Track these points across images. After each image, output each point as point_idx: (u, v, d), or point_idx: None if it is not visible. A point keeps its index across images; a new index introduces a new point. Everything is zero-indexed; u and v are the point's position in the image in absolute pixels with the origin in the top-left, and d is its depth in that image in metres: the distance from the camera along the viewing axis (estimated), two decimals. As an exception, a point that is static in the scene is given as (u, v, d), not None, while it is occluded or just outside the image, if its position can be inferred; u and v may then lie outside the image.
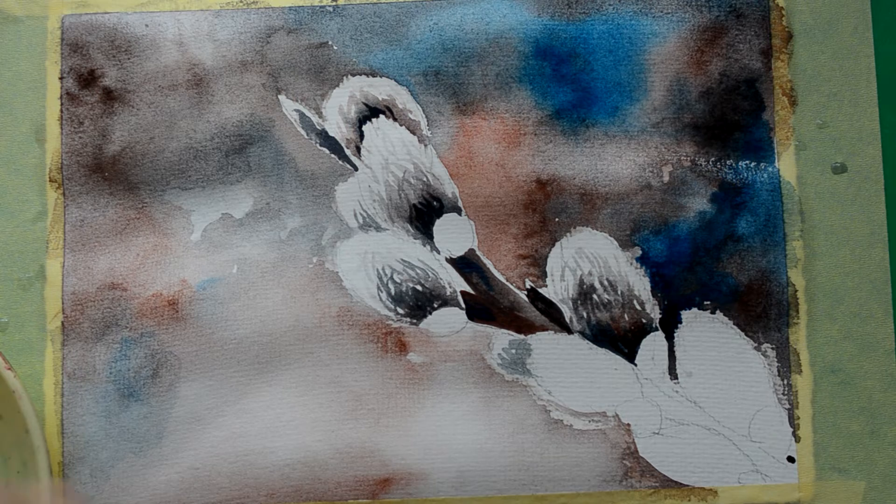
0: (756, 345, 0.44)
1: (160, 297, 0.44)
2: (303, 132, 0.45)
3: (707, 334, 0.44)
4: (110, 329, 0.44)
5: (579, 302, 0.44)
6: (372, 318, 0.44)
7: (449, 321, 0.44)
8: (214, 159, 0.44)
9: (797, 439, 0.44)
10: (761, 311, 0.44)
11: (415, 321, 0.44)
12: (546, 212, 0.44)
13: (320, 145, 0.45)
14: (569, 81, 0.45)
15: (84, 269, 0.44)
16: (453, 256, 0.44)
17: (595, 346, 0.44)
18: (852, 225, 0.45)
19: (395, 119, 0.45)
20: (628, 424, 0.43)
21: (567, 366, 0.44)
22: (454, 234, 0.44)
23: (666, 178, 0.44)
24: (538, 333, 0.44)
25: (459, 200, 0.44)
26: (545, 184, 0.44)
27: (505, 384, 0.44)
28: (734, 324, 0.44)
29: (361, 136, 0.45)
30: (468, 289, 0.44)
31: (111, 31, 0.45)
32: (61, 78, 0.45)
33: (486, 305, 0.44)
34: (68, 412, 0.43)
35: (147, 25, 0.45)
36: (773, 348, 0.44)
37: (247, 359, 0.44)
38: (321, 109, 0.45)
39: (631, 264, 0.44)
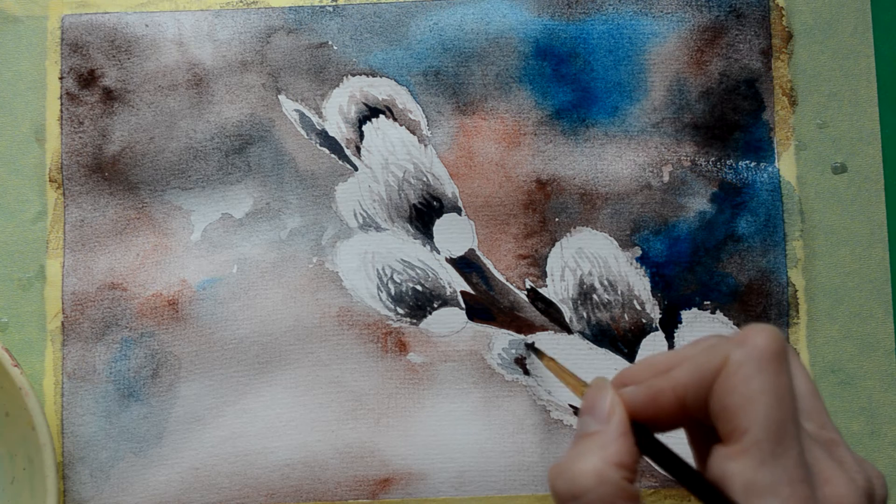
0: (756, 345, 0.44)
1: (160, 297, 0.44)
2: (303, 132, 0.45)
3: (707, 334, 0.44)
4: (110, 329, 0.44)
5: (579, 302, 0.44)
6: (372, 318, 0.44)
7: (449, 321, 0.44)
8: (214, 159, 0.44)
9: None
10: (761, 311, 0.44)
11: (415, 321, 0.44)
12: (546, 212, 0.44)
13: (320, 145, 0.45)
14: (569, 81, 0.45)
15: (84, 269, 0.44)
16: (453, 256, 0.44)
17: (595, 346, 0.44)
18: (852, 225, 0.44)
19: (395, 119, 0.45)
20: (628, 424, 0.43)
21: (567, 366, 0.44)
22: (454, 234, 0.44)
23: (666, 178, 0.44)
24: (538, 333, 0.44)
25: (459, 200, 0.44)
26: (545, 184, 0.44)
27: (505, 384, 0.44)
28: (734, 324, 0.44)
29: (361, 136, 0.45)
30: (468, 289, 0.44)
31: (111, 31, 0.45)
32: (61, 78, 0.45)
33: (486, 305, 0.44)
34: (68, 412, 0.43)
35: (147, 25, 0.45)
36: (773, 348, 0.44)
37: (247, 359, 0.44)
38: (321, 109, 0.45)
39: (631, 264, 0.44)
